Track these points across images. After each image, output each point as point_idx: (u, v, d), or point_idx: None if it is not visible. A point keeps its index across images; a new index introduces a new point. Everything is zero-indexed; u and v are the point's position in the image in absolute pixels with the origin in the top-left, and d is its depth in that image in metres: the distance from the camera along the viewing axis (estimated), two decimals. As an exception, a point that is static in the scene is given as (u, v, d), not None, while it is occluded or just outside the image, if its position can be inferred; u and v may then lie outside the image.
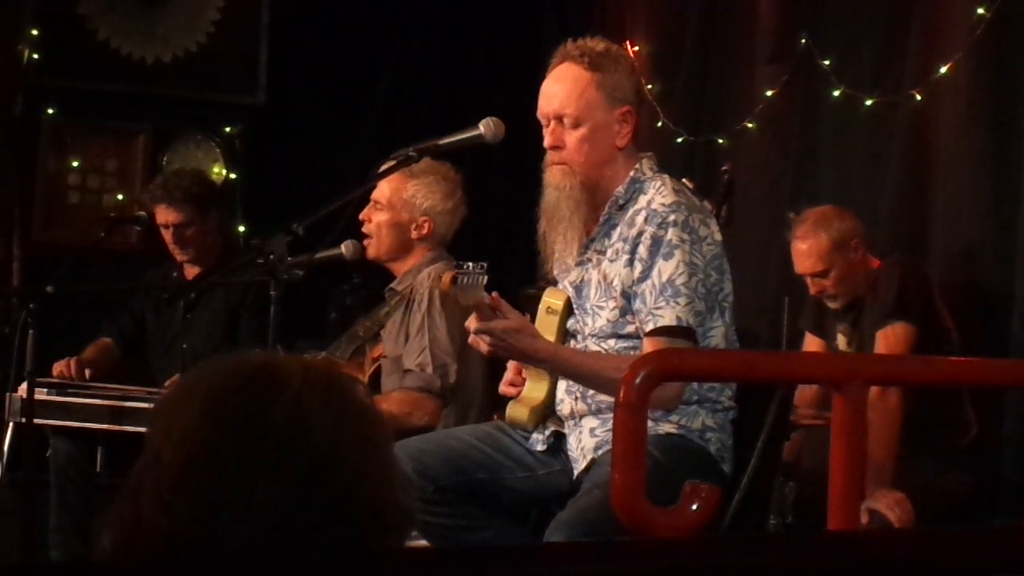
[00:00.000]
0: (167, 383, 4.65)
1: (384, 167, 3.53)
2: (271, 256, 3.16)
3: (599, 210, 3.22)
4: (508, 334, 2.97)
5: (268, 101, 6.33)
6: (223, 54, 6.27)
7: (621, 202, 3.20)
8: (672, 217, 3.09)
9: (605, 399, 3.10)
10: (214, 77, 6.25)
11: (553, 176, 3.22)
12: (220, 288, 4.94)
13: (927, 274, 4.34)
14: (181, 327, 5.01)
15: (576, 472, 3.20)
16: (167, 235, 4.96)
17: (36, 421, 4.29)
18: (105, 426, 4.51)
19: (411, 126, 6.12)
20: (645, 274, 3.09)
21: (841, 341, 4.52)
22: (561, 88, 3.19)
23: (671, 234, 3.08)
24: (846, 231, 4.34)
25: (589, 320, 3.21)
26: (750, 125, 5.40)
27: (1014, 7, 4.43)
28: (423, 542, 3.22)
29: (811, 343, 4.67)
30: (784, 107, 5.28)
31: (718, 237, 3.17)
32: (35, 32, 5.99)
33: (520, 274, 5.31)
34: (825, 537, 1.67)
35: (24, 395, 4.22)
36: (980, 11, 4.48)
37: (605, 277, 3.17)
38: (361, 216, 4.19)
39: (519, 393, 3.31)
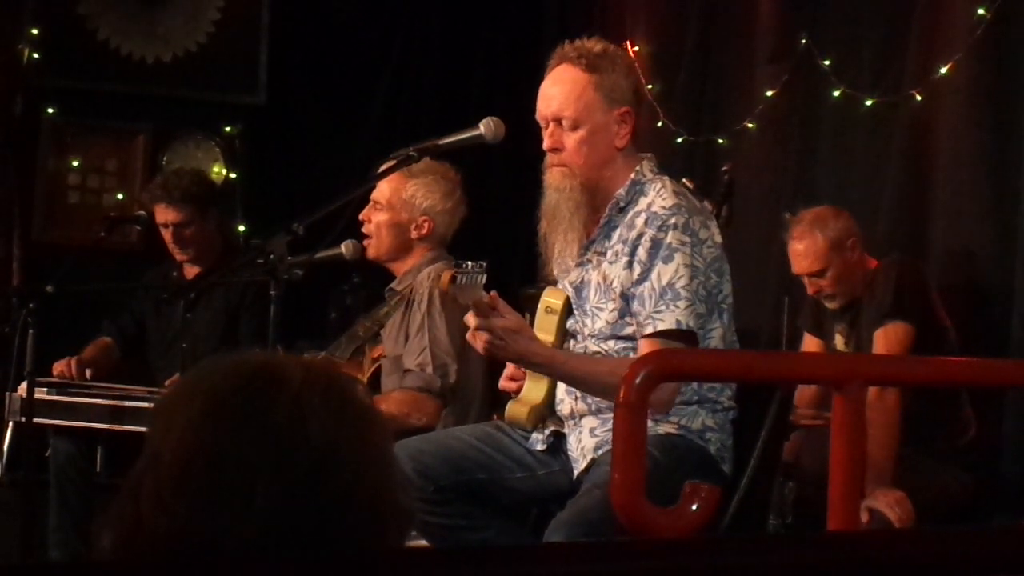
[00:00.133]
0: (167, 383, 4.65)
1: (384, 167, 3.53)
2: (271, 256, 3.16)
3: (599, 211, 3.22)
4: (506, 334, 2.96)
5: (268, 101, 6.33)
6: (223, 54, 6.27)
7: (622, 204, 3.20)
8: (672, 220, 3.09)
9: (605, 399, 3.09)
10: (214, 77, 6.26)
11: (553, 178, 3.22)
12: (220, 288, 4.93)
13: (924, 274, 4.34)
14: (181, 327, 5.01)
15: (576, 472, 3.20)
16: (166, 235, 4.96)
17: (36, 421, 4.29)
18: (105, 426, 4.51)
19: (411, 126, 6.11)
20: (643, 276, 3.09)
21: (839, 341, 4.52)
22: (559, 90, 3.19)
23: (671, 237, 3.07)
24: (842, 231, 4.36)
25: (588, 321, 3.21)
26: (750, 125, 5.40)
27: (1014, 7, 4.43)
28: (423, 542, 3.22)
29: (809, 343, 4.67)
30: (784, 107, 5.28)
31: (718, 239, 3.16)
32: (35, 32, 5.99)
33: (520, 274, 5.32)
34: (825, 537, 1.67)
35: (24, 395, 4.22)
36: (980, 11, 4.48)
37: (605, 278, 3.17)
38: (361, 216, 4.19)
39: (519, 388, 3.31)
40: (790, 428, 3.96)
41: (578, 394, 3.20)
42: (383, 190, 4.19)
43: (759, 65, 5.41)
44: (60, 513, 4.65)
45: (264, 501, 1.30)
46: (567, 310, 3.28)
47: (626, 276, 3.12)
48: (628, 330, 3.14)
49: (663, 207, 3.11)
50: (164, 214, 4.93)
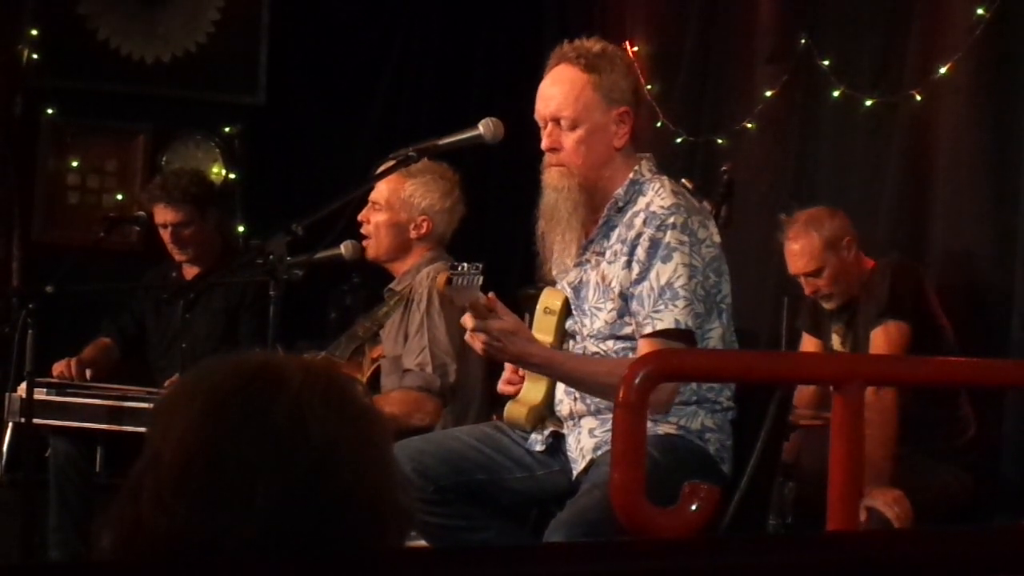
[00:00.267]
0: (167, 383, 4.65)
1: (383, 167, 3.53)
2: (271, 256, 3.16)
3: (598, 211, 3.22)
4: (503, 335, 2.96)
5: (268, 101, 6.33)
6: (223, 54, 6.28)
7: (620, 204, 3.20)
8: (671, 219, 3.09)
9: (604, 400, 3.09)
10: (214, 77, 6.26)
11: (551, 178, 3.22)
12: (220, 288, 4.93)
13: (920, 273, 4.35)
14: (181, 327, 5.01)
15: (575, 472, 3.20)
16: (165, 235, 4.96)
17: (36, 421, 4.28)
18: (105, 426, 4.51)
19: (411, 126, 6.12)
20: (642, 276, 3.09)
21: (835, 341, 4.54)
22: (558, 90, 3.19)
23: (670, 236, 3.07)
24: (837, 230, 4.39)
25: (587, 321, 3.21)
26: (750, 125, 5.40)
27: (1014, 7, 4.43)
28: (423, 542, 3.22)
29: (808, 343, 4.68)
30: (784, 107, 5.28)
31: (717, 239, 3.17)
32: (35, 32, 5.99)
33: (519, 274, 5.31)
34: (825, 537, 1.67)
35: (24, 395, 4.22)
36: (980, 11, 4.48)
37: (604, 278, 3.17)
38: (360, 217, 4.19)
39: (517, 391, 3.31)
40: (790, 428, 3.96)
41: (577, 395, 3.20)
42: (381, 190, 4.19)
43: (759, 65, 5.41)
44: (60, 513, 4.64)
45: (264, 501, 1.30)
46: (565, 311, 3.28)
47: (625, 276, 3.12)
48: (627, 330, 3.13)
49: (662, 207, 3.11)
50: (163, 214, 4.93)
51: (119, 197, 6.16)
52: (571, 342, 3.27)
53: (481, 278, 2.88)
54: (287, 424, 1.33)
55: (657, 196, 3.14)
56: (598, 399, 3.13)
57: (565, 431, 3.25)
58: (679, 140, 5.70)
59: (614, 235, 3.18)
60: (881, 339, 4.21)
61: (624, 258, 3.13)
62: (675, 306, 3.04)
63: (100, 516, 1.37)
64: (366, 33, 6.58)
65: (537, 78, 3.28)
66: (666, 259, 3.06)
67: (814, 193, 5.02)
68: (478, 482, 3.24)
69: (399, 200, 4.21)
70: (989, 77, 4.51)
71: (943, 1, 4.68)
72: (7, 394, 4.47)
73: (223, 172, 6.30)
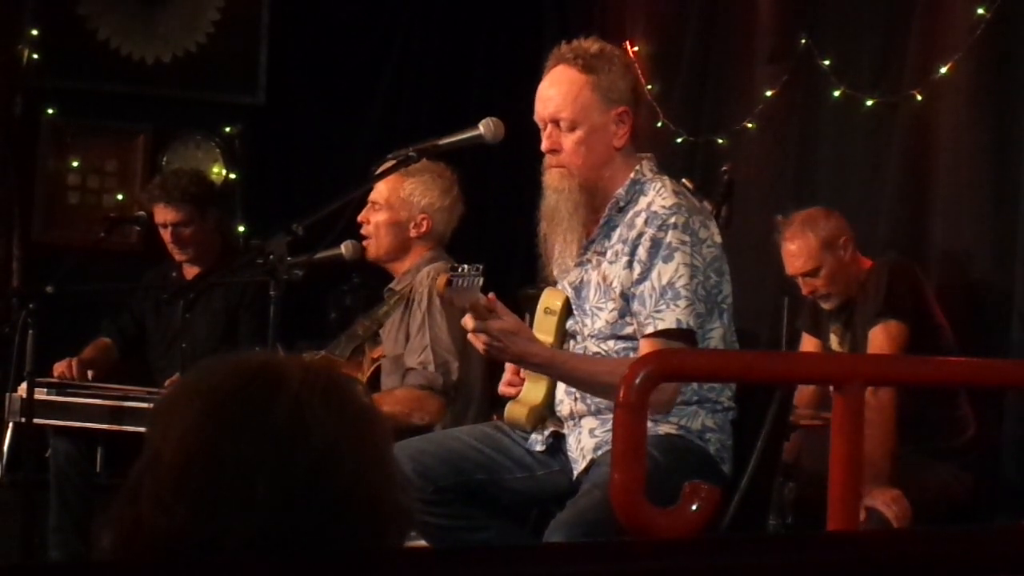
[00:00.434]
0: (167, 383, 4.65)
1: (383, 167, 3.53)
2: (271, 256, 3.16)
3: (599, 211, 3.22)
4: (504, 335, 2.96)
5: (268, 101, 6.33)
6: (223, 54, 6.27)
7: (621, 204, 3.20)
8: (672, 219, 3.09)
9: (604, 399, 3.09)
10: (214, 77, 6.25)
11: (552, 179, 3.22)
12: (220, 288, 4.93)
13: (917, 273, 4.36)
14: (181, 327, 5.01)
15: (575, 473, 3.20)
16: (165, 234, 4.96)
17: (36, 421, 4.29)
18: (105, 426, 4.51)
19: (411, 126, 6.12)
20: (644, 276, 3.09)
21: (833, 341, 4.55)
22: (556, 91, 3.19)
23: (671, 236, 3.07)
24: (833, 230, 4.40)
25: (588, 321, 3.21)
26: (750, 125, 5.40)
27: (1014, 7, 4.43)
28: (423, 542, 3.22)
29: (807, 343, 4.69)
30: (784, 107, 5.28)
31: (718, 239, 3.17)
32: (35, 32, 5.99)
33: (519, 275, 5.31)
34: (825, 537, 1.67)
35: (24, 395, 4.22)
36: (980, 11, 4.48)
37: (605, 278, 3.17)
38: (359, 218, 4.19)
39: (518, 393, 3.31)
40: (790, 428, 3.96)
41: (577, 395, 3.20)
42: (381, 190, 4.20)
43: (759, 65, 5.41)
44: (60, 514, 4.64)
45: (264, 501, 1.30)
46: (566, 311, 3.28)
47: (626, 276, 3.12)
48: (628, 330, 3.14)
49: (663, 206, 3.11)
50: (163, 214, 4.93)
51: (119, 197, 6.16)
52: (572, 342, 3.27)
53: (481, 279, 2.88)
54: (287, 424, 1.33)
55: (658, 196, 3.14)
56: (599, 399, 3.13)
57: (565, 431, 3.25)
58: (679, 140, 5.70)
59: (615, 235, 3.18)
60: (879, 339, 4.22)
61: (625, 258, 3.13)
62: (676, 306, 3.04)
63: (100, 516, 1.37)
64: (366, 33, 6.58)
65: (537, 78, 3.28)
66: (667, 259, 3.07)
67: (814, 193, 5.02)
68: (478, 482, 3.24)
69: (398, 199, 4.21)
70: (989, 77, 4.51)
71: (943, 1, 4.68)
72: (7, 394, 4.47)
73: (223, 172, 6.30)
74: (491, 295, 2.97)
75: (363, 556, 1.32)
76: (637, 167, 3.22)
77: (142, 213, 5.02)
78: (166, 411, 1.37)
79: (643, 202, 3.16)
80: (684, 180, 3.48)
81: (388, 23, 6.63)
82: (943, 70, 4.60)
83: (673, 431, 3.11)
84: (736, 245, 4.12)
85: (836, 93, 5.02)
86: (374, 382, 4.12)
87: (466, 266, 2.88)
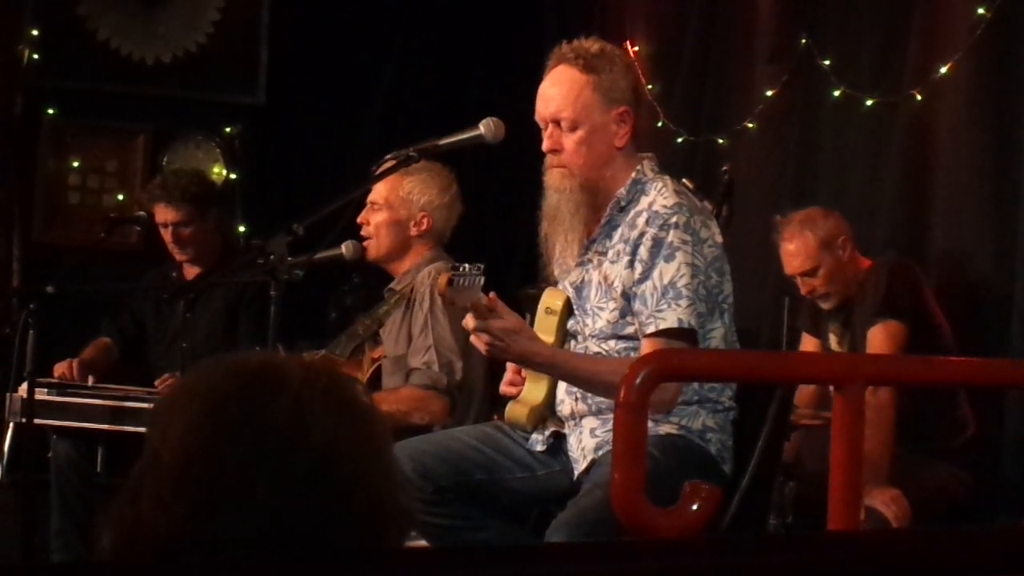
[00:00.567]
0: (157, 381, 4.66)
1: (383, 167, 3.53)
2: (271, 256, 3.16)
3: (600, 211, 3.22)
4: (506, 335, 2.96)
5: (268, 101, 6.33)
6: (223, 54, 6.27)
7: (623, 203, 3.20)
8: (674, 219, 3.09)
9: (605, 399, 3.09)
10: (214, 77, 6.25)
11: (553, 179, 3.22)
12: (220, 288, 4.93)
13: (916, 272, 4.36)
14: (181, 327, 5.01)
15: (576, 472, 3.20)
16: (166, 234, 4.96)
17: (36, 421, 4.28)
18: (105, 426, 4.51)
19: (411, 126, 6.11)
20: (645, 275, 3.09)
21: (832, 340, 4.55)
22: (557, 91, 3.19)
23: (672, 236, 3.08)
24: (832, 230, 4.41)
25: (589, 321, 3.21)
26: (750, 125, 5.40)
27: (1014, 7, 4.43)
28: (423, 542, 3.21)
29: (807, 343, 4.69)
30: (784, 107, 5.28)
31: (719, 239, 3.17)
32: (35, 32, 5.98)
33: (520, 274, 5.31)
34: (825, 537, 1.67)
35: (24, 395, 4.22)
36: (980, 11, 4.47)
37: (606, 278, 3.17)
38: (359, 220, 4.20)
39: (519, 393, 3.31)
40: (790, 428, 3.96)
41: (578, 394, 3.20)
42: (380, 190, 4.20)
43: (759, 65, 5.41)
44: (61, 516, 4.64)
45: (264, 501, 1.30)
46: (567, 311, 3.28)
47: (627, 275, 3.12)
48: (629, 330, 3.14)
49: (664, 206, 3.11)
50: (163, 214, 4.93)
51: (119, 197, 6.16)
52: (573, 342, 3.27)
53: (482, 279, 2.88)
54: (287, 424, 1.33)
55: (660, 195, 3.14)
56: (600, 399, 3.13)
57: (566, 431, 3.25)
58: (679, 140, 5.70)
59: (616, 235, 3.18)
60: (877, 338, 4.22)
61: (627, 258, 3.13)
62: (678, 305, 3.04)
63: (100, 517, 1.37)
64: (366, 33, 6.58)
65: (537, 78, 3.28)
66: (669, 258, 3.07)
67: (814, 193, 5.02)
68: (478, 482, 3.24)
69: (398, 198, 4.21)
70: (989, 77, 4.51)
71: (943, 1, 4.68)
72: (8, 395, 4.47)
73: (223, 172, 6.30)
74: (492, 295, 2.97)
75: (363, 556, 1.32)
76: (638, 167, 3.22)
77: (142, 213, 5.02)
78: (166, 411, 1.37)
79: (644, 202, 3.16)
80: (684, 180, 3.48)
81: (388, 23, 6.63)
82: (943, 70, 4.60)
83: (674, 431, 3.11)
84: (736, 245, 4.12)
85: (836, 93, 5.02)
86: (374, 382, 4.13)
87: (467, 265, 2.88)
